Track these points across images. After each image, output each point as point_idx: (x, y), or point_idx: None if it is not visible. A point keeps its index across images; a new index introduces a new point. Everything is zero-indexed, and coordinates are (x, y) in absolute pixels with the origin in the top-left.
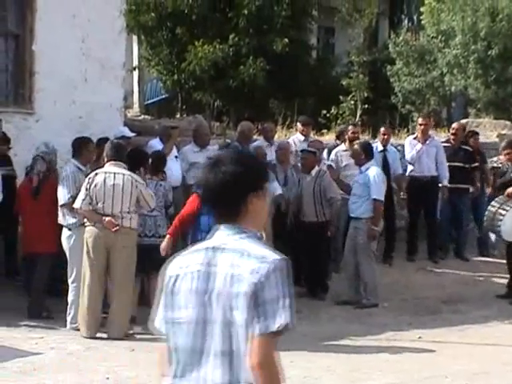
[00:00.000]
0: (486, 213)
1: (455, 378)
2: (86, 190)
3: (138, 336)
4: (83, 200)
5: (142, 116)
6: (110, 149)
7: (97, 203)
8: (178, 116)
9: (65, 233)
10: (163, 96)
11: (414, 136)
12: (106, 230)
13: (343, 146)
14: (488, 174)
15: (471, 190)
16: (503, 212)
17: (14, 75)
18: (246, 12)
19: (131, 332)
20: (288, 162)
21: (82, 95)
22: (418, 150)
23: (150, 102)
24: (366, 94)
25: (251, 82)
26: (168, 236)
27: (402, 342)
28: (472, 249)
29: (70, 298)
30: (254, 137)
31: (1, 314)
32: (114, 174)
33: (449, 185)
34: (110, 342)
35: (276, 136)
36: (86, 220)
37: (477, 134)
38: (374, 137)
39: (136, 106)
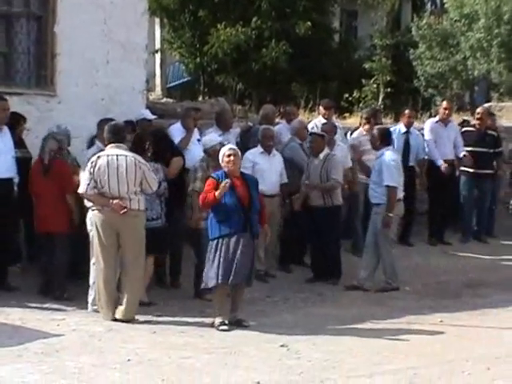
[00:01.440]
0: None
1: (476, 361)
2: (90, 174)
3: (160, 319)
4: (88, 184)
5: (164, 99)
6: (108, 131)
7: (102, 187)
8: (200, 99)
9: (89, 214)
10: (185, 79)
11: (436, 120)
12: (114, 212)
13: (362, 131)
14: (504, 156)
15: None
16: None
17: (35, 57)
18: None
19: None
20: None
21: (103, 77)
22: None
23: (172, 84)
24: (388, 78)
25: (273, 66)
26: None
27: (423, 325)
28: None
29: (92, 279)
30: (277, 120)
31: (23, 296)
32: (117, 155)
33: (471, 170)
34: (131, 325)
35: None
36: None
37: (493, 115)
38: (397, 120)
39: (158, 88)
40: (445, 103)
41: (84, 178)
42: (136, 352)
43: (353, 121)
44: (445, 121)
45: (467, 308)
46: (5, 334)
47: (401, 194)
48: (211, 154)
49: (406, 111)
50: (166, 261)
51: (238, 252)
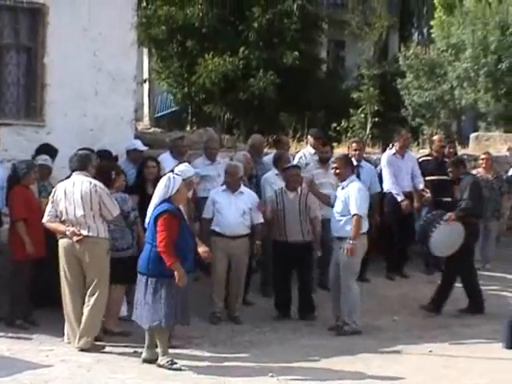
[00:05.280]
0: (420, 224)
1: None
2: (52, 202)
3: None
4: (49, 213)
5: (152, 129)
6: (71, 160)
7: (62, 214)
8: (188, 129)
9: None
10: (173, 109)
11: (393, 152)
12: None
13: (317, 164)
14: None
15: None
16: (433, 229)
17: (25, 88)
18: (256, 25)
19: (98, 343)
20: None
21: (92, 108)
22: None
23: (160, 114)
24: (376, 107)
25: (261, 95)
26: (176, 264)
27: (412, 355)
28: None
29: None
30: (265, 150)
31: (11, 327)
32: (74, 182)
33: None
34: (120, 355)
35: None
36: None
37: (452, 142)
38: (384, 150)
39: (146, 118)
40: (403, 133)
41: (47, 207)
42: (125, 383)
43: (340, 150)
44: (401, 152)
45: (456, 338)
46: None
47: (365, 228)
48: (186, 184)
49: (353, 144)
50: None
51: (185, 291)
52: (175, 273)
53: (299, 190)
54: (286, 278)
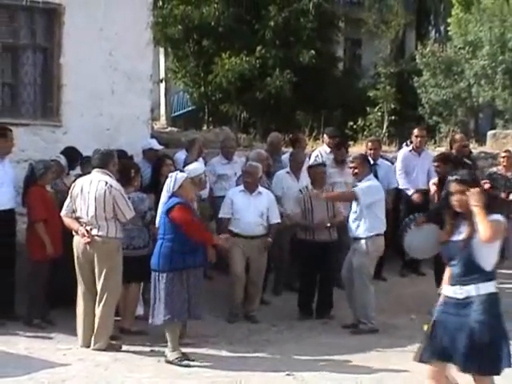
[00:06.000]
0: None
1: None
2: (70, 197)
3: (164, 348)
4: (67, 207)
5: (169, 128)
6: (92, 157)
7: (76, 212)
8: (204, 128)
9: None
10: (190, 108)
11: (410, 149)
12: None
13: (333, 163)
14: None
15: None
16: (405, 233)
17: (41, 88)
18: (272, 24)
19: (114, 343)
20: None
21: (109, 107)
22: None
23: (176, 114)
24: (392, 106)
25: (278, 94)
26: (215, 243)
27: None
28: None
29: None
30: (283, 148)
31: (29, 327)
32: (91, 180)
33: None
34: (136, 354)
35: None
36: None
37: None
38: (400, 148)
39: (163, 118)
40: (416, 131)
41: (66, 201)
42: (142, 381)
43: (357, 149)
44: (418, 149)
45: None
46: (11, 364)
47: (381, 229)
48: (196, 182)
49: (369, 144)
50: None
51: (199, 285)
52: (218, 241)
53: (324, 188)
54: (313, 277)
